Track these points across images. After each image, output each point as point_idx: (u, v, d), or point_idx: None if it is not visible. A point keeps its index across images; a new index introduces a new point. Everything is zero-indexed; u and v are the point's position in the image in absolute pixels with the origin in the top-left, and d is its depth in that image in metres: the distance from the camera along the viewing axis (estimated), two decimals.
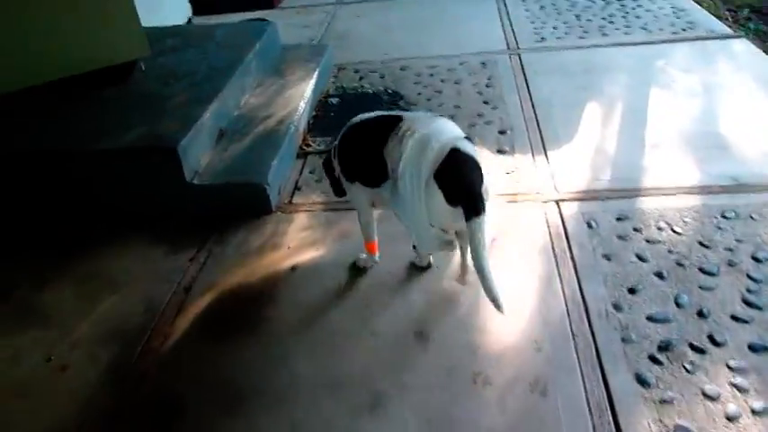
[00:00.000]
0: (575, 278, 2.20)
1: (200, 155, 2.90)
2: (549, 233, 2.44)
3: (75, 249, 2.73)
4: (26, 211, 2.95)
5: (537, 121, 3.26)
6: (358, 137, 2.04)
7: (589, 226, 2.45)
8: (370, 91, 3.80)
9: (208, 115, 3.00)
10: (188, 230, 2.75)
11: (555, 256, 2.31)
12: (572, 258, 2.29)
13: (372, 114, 2.05)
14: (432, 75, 3.95)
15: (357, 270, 2.37)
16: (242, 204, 2.79)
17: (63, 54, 3.17)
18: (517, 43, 4.33)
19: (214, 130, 3.08)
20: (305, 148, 3.27)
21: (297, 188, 2.95)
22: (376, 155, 1.86)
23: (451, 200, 1.72)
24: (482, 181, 1.74)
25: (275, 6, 5.79)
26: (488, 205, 1.74)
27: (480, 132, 3.21)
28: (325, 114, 3.60)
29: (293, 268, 2.44)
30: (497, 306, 1.73)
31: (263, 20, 4.62)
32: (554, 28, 4.53)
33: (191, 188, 2.76)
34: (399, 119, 1.87)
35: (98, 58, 3.25)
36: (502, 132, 3.19)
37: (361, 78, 4.02)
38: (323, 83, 3.92)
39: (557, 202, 2.62)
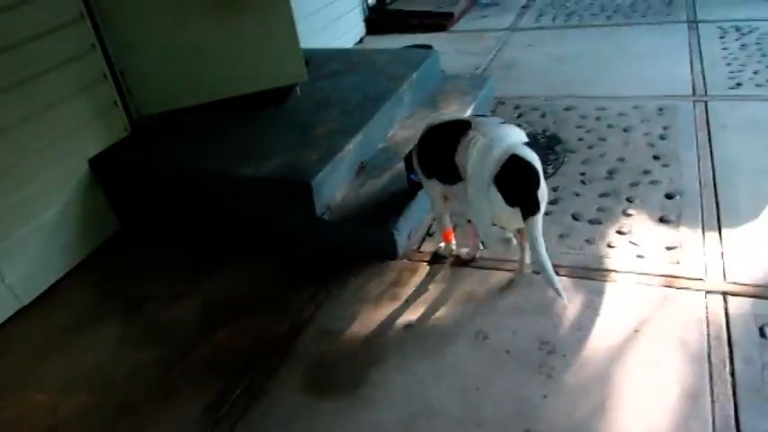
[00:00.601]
0: (731, 402, 1.80)
1: (335, 189, 2.86)
2: (708, 334, 2.04)
3: (207, 268, 2.81)
4: (165, 225, 3.12)
5: (715, 187, 2.79)
6: (433, 141, 2.30)
7: (762, 334, 2.01)
8: (527, 130, 3.53)
9: (350, 147, 2.96)
10: (312, 265, 2.72)
11: (710, 367, 1.92)
12: (732, 374, 1.89)
13: (446, 117, 2.30)
14: (598, 118, 3.59)
15: (469, 342, 2.16)
16: (368, 246, 2.70)
17: (230, 76, 3.32)
18: (705, 88, 3.80)
19: (355, 163, 3.03)
20: None
21: (429, 233, 2.80)
22: (448, 158, 2.09)
23: (510, 201, 1.90)
24: (538, 184, 1.91)
25: (446, 29, 5.69)
26: (543, 206, 1.94)
27: (643, 193, 2.83)
28: None
29: (408, 326, 2.30)
30: (558, 293, 1.93)
31: (428, 46, 4.53)
32: (755, 72, 3.91)
33: (320, 223, 2.73)
34: (469, 125, 2.06)
35: (260, 81, 3.36)
36: (669, 197, 2.78)
37: (519, 116, 3.77)
38: None
39: (723, 294, 2.20)
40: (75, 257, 3.03)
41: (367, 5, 5.87)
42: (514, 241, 2.16)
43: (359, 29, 5.81)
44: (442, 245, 2.59)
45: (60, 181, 2.96)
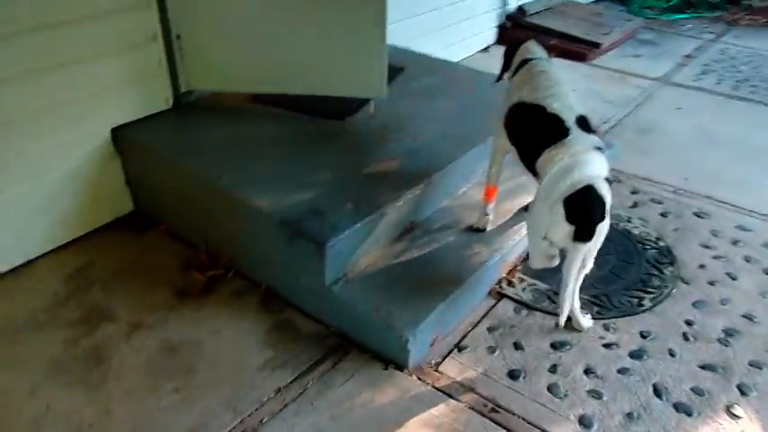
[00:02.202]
0: None
1: (364, 251, 2.26)
2: None
3: (187, 301, 2.32)
4: (173, 222, 2.65)
5: None
6: (526, 124, 2.17)
7: None
8: (636, 231, 2.75)
9: (401, 204, 2.34)
10: (305, 340, 2.16)
11: None
12: None
13: (556, 105, 2.06)
14: (736, 242, 2.73)
15: None
16: (374, 341, 2.10)
17: (299, 70, 2.77)
18: None
19: (402, 221, 2.40)
20: (503, 287, 2.41)
21: (459, 346, 2.15)
22: (533, 149, 2.06)
23: (570, 220, 1.88)
24: (602, 218, 1.91)
25: (587, 61, 4.83)
26: (596, 241, 1.95)
27: (766, 386, 2.02)
28: None
29: None
30: (560, 315, 2.10)
31: None
32: None
33: (326, 293, 2.15)
34: (565, 134, 1.97)
35: (330, 85, 2.78)
36: None
37: (633, 205, 2.97)
38: None
39: None
40: (68, 234, 2.63)
41: (505, 11, 5.11)
42: (557, 260, 2.09)
43: (489, 34, 5.09)
44: (477, 215, 2.51)
45: (72, 146, 2.55)
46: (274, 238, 2.21)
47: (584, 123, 2.02)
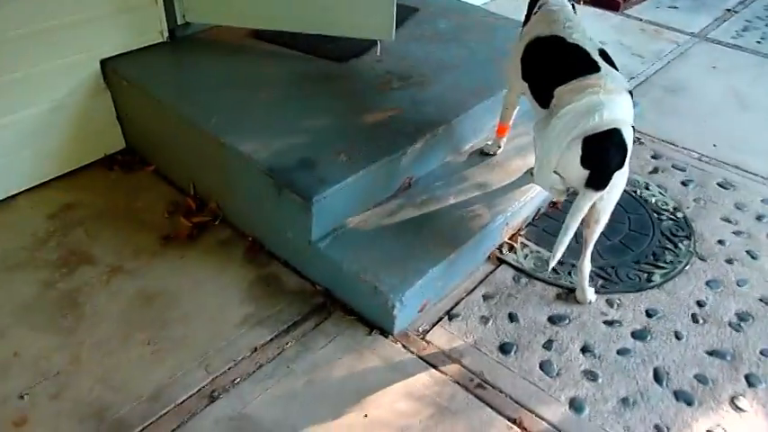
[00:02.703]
0: None
1: (355, 207, 2.12)
2: None
3: (172, 245, 2.22)
4: (163, 163, 2.52)
5: None
6: (548, 54, 2.01)
7: None
8: (652, 200, 2.56)
9: (399, 158, 2.18)
10: (289, 297, 2.05)
11: None
12: None
13: (576, 35, 1.94)
14: (761, 218, 2.54)
15: None
16: (359, 303, 1.98)
17: (302, 6, 2.57)
18: None
19: (400, 175, 2.24)
20: (503, 252, 2.26)
21: (450, 314, 2.02)
22: (550, 81, 1.88)
23: (586, 164, 1.75)
24: (621, 166, 1.77)
25: (619, 10, 4.51)
26: (611, 192, 1.81)
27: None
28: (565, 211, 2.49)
29: None
30: (551, 260, 1.88)
31: None
32: None
33: (313, 249, 2.02)
34: (596, 68, 1.83)
35: (334, 24, 2.58)
36: None
37: (653, 171, 2.77)
38: None
39: None
40: (53, 170, 2.52)
41: None
42: (563, 196, 2.04)
43: None
44: (490, 142, 2.48)
45: (58, 77, 2.40)
46: (261, 187, 2.08)
47: (606, 57, 1.90)
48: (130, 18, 2.55)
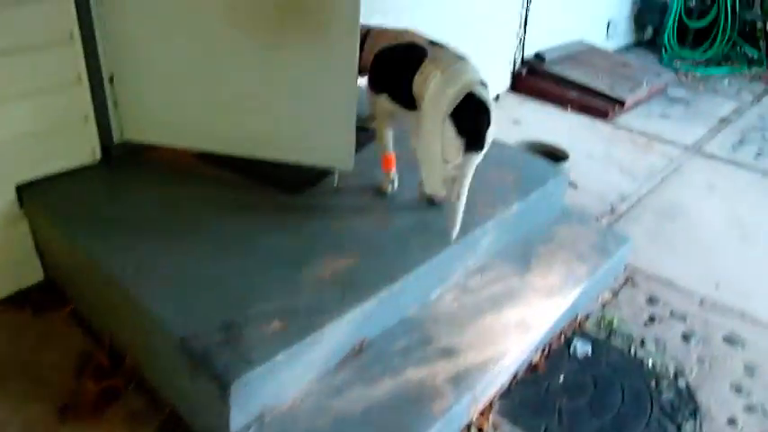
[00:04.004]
0: None
1: (290, 385, 1.74)
2: None
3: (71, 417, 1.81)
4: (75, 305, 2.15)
5: None
6: (390, 62, 2.15)
7: None
8: (649, 362, 2.20)
9: (347, 321, 1.82)
10: None
11: None
12: None
13: (401, 40, 2.15)
14: None
15: None
16: None
17: (249, 128, 2.29)
18: None
19: (349, 340, 1.88)
20: None
21: None
22: (406, 84, 2.03)
23: (460, 132, 1.90)
24: (489, 123, 1.92)
25: (608, 118, 4.29)
26: (485, 147, 1.95)
27: None
28: (547, 377, 2.11)
29: None
30: (450, 231, 2.04)
31: (561, 154, 3.21)
32: None
33: None
34: (424, 54, 2.01)
35: (285, 148, 2.30)
36: None
37: (649, 321, 2.42)
38: (584, 303, 2.42)
39: None
40: None
41: (522, 55, 4.60)
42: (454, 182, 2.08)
43: (501, 82, 4.57)
44: (382, 179, 2.37)
45: None
46: (172, 358, 1.70)
47: (437, 43, 2.08)
48: (55, 138, 2.26)
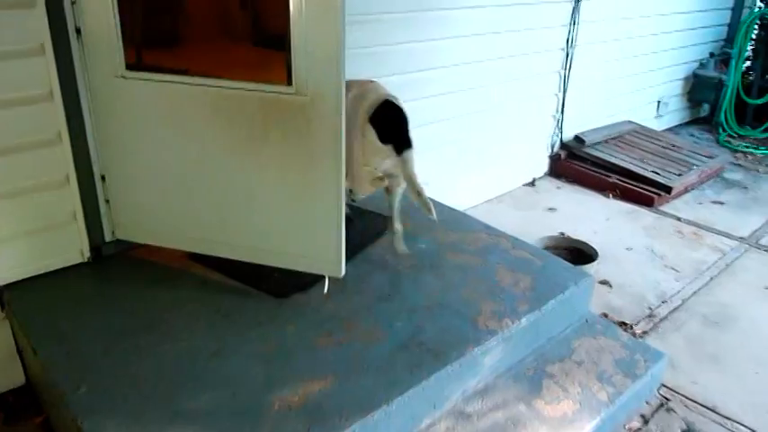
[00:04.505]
0: None
1: None
2: None
3: None
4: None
5: None
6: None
7: None
8: None
9: None
10: None
11: None
12: None
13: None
14: None
15: None
16: None
17: (241, 231, 2.18)
18: None
19: None
20: None
21: None
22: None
23: (383, 138, 2.09)
24: (408, 128, 2.13)
25: (653, 205, 3.98)
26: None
27: None
28: None
29: None
30: (429, 210, 2.14)
31: (589, 253, 2.93)
32: None
33: None
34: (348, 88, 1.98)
35: (273, 254, 2.18)
36: None
37: None
38: None
39: None
40: None
41: (560, 139, 4.39)
42: (385, 181, 2.24)
43: (540, 166, 4.36)
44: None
45: None
46: None
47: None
48: (42, 238, 2.21)
